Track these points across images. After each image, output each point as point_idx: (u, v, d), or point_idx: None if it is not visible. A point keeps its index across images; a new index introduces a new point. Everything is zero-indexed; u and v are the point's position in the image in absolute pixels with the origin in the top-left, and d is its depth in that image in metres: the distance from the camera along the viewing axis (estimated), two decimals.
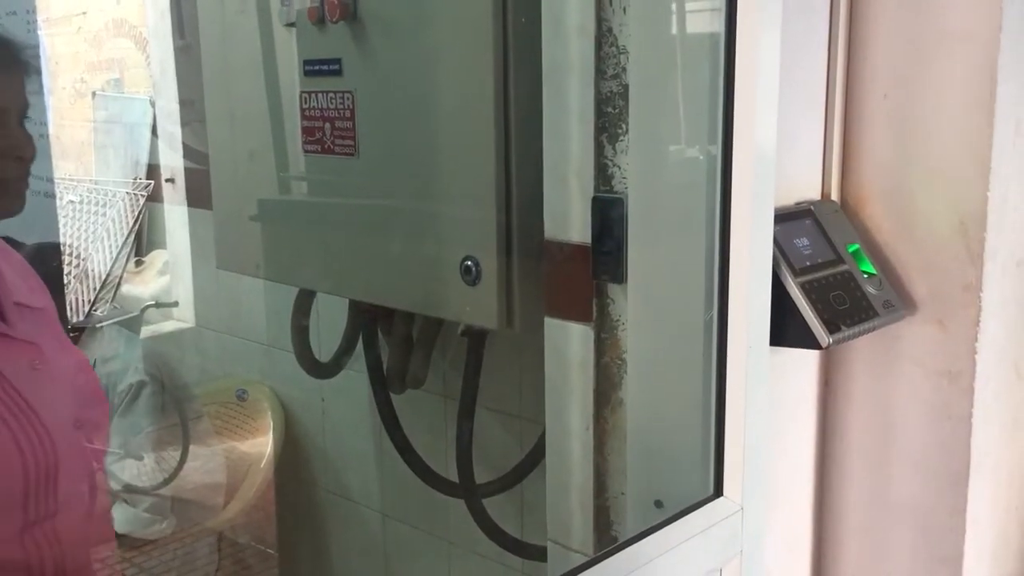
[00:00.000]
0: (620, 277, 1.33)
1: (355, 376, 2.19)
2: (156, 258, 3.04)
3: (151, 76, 2.92)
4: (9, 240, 1.31)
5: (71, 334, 1.88)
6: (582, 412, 1.41)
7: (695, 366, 1.27)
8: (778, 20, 1.18)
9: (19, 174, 1.22)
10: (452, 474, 1.97)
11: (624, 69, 1.28)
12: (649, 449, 1.35)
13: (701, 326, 1.25)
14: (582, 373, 1.40)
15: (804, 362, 1.48)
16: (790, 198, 1.40)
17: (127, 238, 2.89)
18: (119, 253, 2.88)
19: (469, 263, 1.59)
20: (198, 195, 2.57)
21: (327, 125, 1.77)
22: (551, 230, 1.40)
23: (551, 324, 1.43)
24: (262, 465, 2.53)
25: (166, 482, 2.31)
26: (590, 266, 1.35)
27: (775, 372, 1.33)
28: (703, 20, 1.26)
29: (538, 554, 1.86)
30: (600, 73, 1.30)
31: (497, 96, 1.51)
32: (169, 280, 2.94)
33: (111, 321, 2.64)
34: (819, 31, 1.41)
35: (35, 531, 1.19)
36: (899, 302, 1.40)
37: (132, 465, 2.32)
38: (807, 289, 1.31)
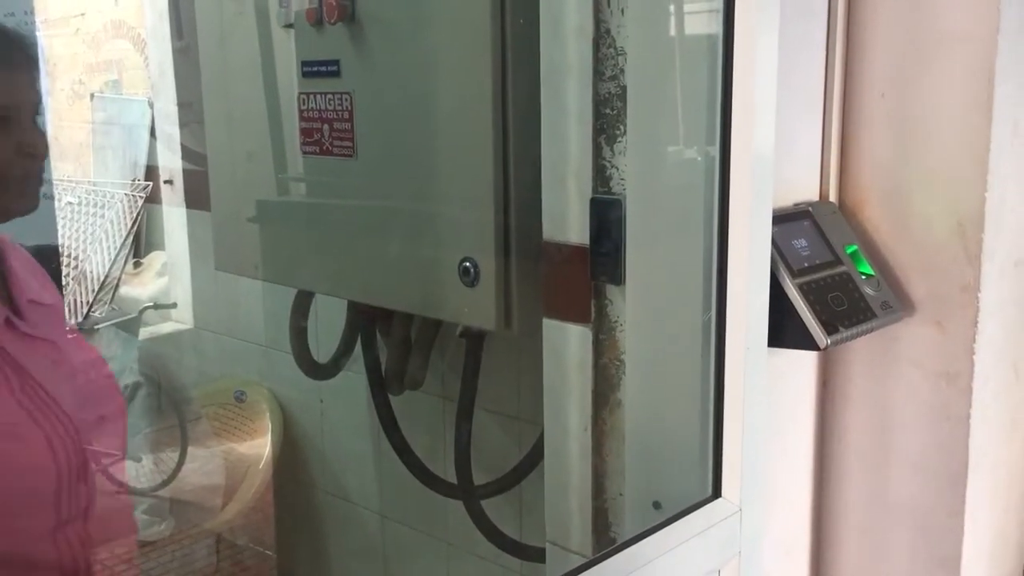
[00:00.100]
0: (618, 278, 1.33)
1: (353, 377, 2.19)
2: (154, 259, 3.03)
3: (149, 78, 2.91)
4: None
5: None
6: (580, 413, 1.41)
7: (693, 367, 1.27)
8: (776, 21, 1.17)
9: (34, 172, 1.20)
10: (451, 475, 1.97)
11: (622, 70, 1.28)
12: (647, 450, 1.35)
13: (699, 327, 1.25)
14: (580, 374, 1.40)
15: (802, 363, 1.48)
16: (788, 199, 1.41)
17: (125, 239, 2.88)
18: (117, 254, 2.87)
19: (467, 264, 1.59)
20: (196, 196, 2.56)
21: (325, 126, 1.77)
22: (549, 231, 1.40)
23: (549, 325, 1.43)
24: (260, 466, 2.53)
25: (164, 483, 2.30)
26: (588, 267, 1.35)
27: (773, 373, 1.33)
28: (701, 21, 1.26)
29: (536, 555, 1.86)
30: (598, 74, 1.30)
31: (495, 97, 1.51)
32: (167, 281, 2.93)
33: (109, 323, 2.64)
34: (817, 32, 1.41)
35: (67, 530, 1.18)
36: (897, 303, 1.40)
37: (130, 466, 2.32)
38: (805, 290, 1.31)
